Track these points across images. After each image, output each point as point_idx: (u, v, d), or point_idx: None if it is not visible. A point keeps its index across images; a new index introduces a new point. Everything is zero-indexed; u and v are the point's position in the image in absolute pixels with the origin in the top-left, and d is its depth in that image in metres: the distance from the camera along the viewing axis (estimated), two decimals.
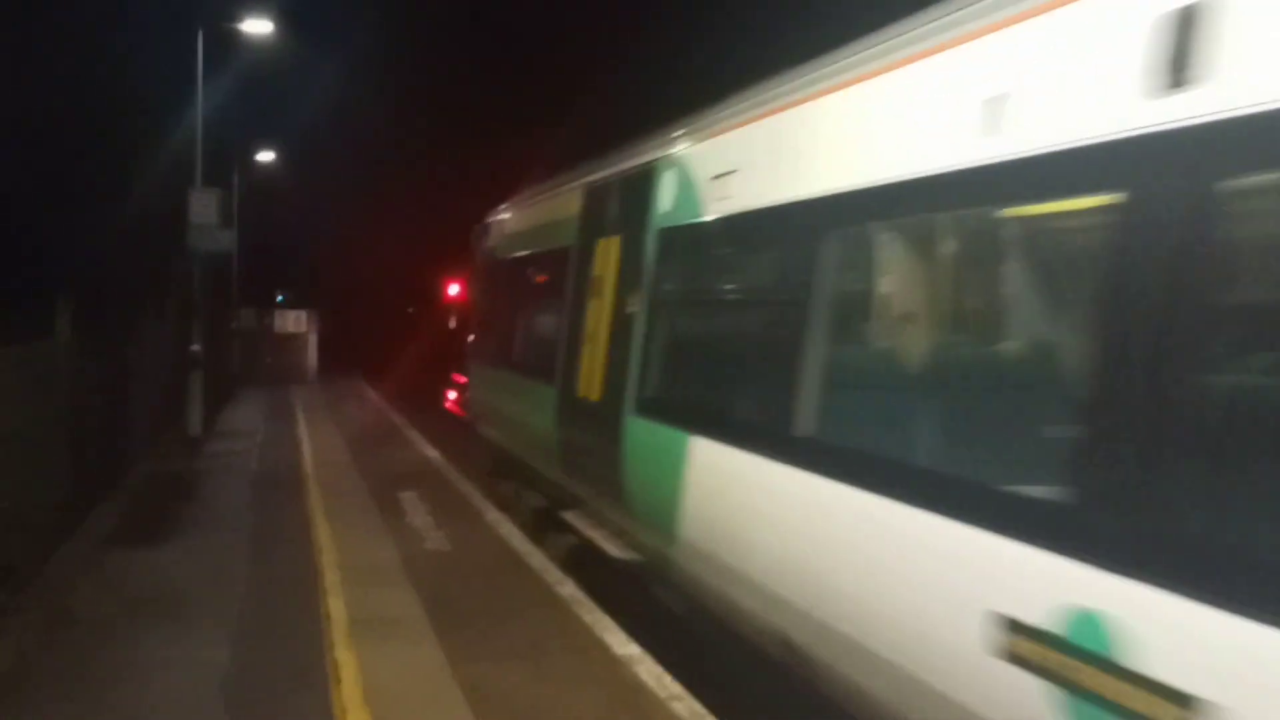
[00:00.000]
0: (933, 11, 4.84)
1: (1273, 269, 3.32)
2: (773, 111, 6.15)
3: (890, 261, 5.32)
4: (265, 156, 41.30)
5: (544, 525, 10.66)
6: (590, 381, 8.66)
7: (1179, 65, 3.34)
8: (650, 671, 6.63)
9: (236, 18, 22.77)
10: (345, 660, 6.74)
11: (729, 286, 6.98)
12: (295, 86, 56.92)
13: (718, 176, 6.67)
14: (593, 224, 9.20)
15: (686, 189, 7.18)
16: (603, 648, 7.09)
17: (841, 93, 5.44)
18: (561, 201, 10.30)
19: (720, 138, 6.82)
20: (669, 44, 32.36)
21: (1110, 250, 3.60)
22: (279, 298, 51.51)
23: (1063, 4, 3.93)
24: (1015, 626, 3.75)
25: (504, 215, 13.32)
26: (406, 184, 58.27)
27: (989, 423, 4.54)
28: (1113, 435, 3.46)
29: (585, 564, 9.15)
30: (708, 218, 6.80)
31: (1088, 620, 3.44)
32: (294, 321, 34.74)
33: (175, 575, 8.82)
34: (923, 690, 4.35)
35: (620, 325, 8.10)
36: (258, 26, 23.07)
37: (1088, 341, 3.69)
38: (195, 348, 17.97)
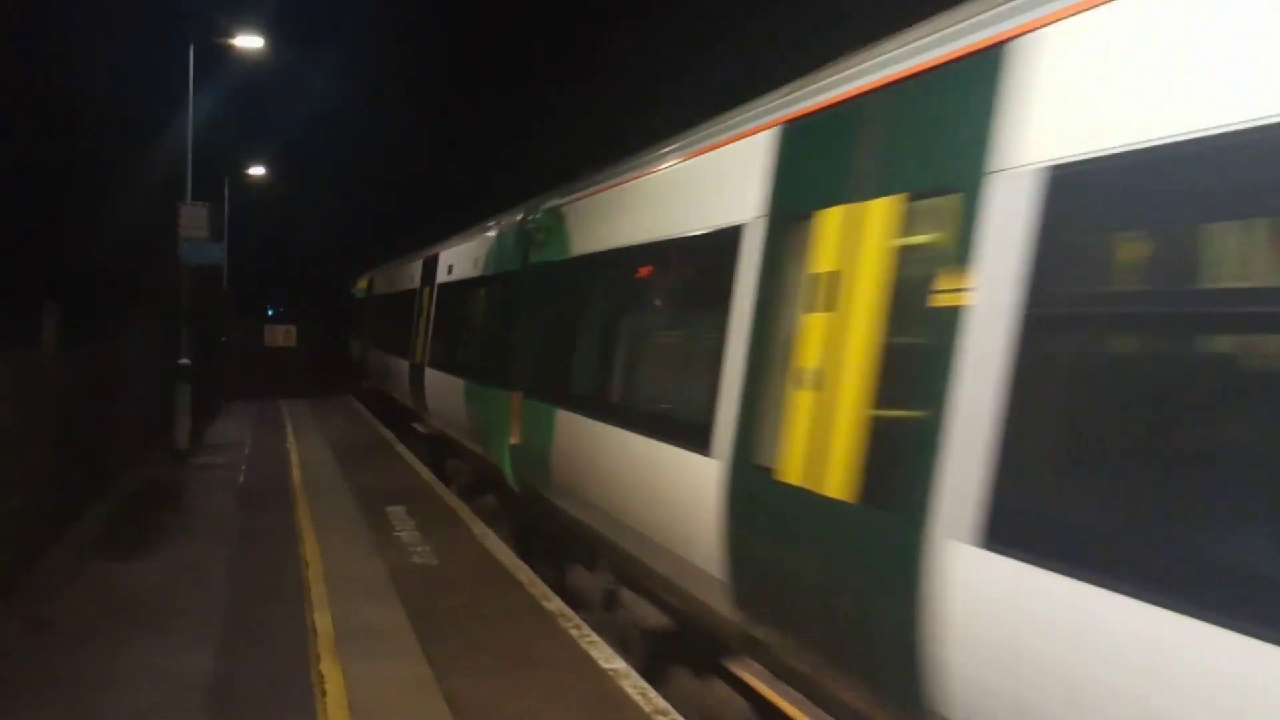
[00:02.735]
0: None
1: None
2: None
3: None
4: (256, 170, 41.30)
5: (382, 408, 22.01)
6: (399, 350, 19.29)
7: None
8: (635, 685, 6.62)
9: (229, 32, 22.69)
10: (330, 673, 6.71)
11: (455, 311, 14.87)
12: (286, 100, 57.03)
13: (448, 269, 15.66)
14: (386, 287, 22.78)
15: (449, 267, 15.82)
16: (589, 661, 7.07)
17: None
18: (366, 282, 26.73)
19: (446, 251, 16.35)
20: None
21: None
22: (269, 311, 51.49)
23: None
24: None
25: (362, 279, 28.58)
26: (398, 198, 58.24)
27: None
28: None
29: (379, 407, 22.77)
30: (450, 281, 15.53)
31: None
32: (284, 335, 34.71)
33: (160, 586, 8.77)
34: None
35: (407, 328, 18.39)
36: (249, 42, 23.01)
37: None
38: (184, 361, 17.89)
